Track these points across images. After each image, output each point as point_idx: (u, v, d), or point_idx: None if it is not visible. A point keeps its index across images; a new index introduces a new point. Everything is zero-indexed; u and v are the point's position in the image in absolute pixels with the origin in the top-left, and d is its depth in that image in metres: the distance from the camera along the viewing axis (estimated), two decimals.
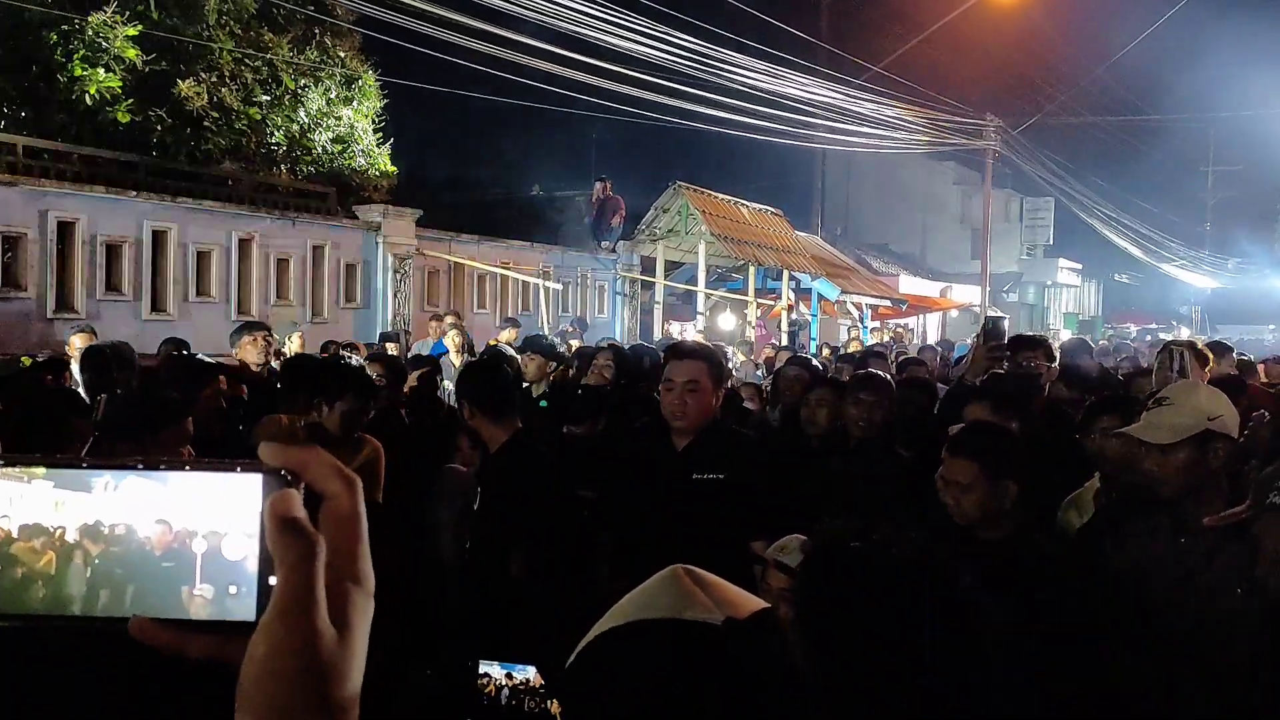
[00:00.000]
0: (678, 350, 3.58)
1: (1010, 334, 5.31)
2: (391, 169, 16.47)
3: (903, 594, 1.44)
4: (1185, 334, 31.13)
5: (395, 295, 14.11)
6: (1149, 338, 23.90)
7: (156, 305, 11.51)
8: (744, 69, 18.19)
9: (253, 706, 0.58)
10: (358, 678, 0.61)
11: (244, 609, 0.61)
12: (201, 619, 0.61)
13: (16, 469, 0.62)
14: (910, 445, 4.10)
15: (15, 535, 0.61)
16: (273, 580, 0.59)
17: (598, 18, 15.10)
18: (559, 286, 16.84)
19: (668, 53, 16.60)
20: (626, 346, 9.93)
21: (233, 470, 0.62)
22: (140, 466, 0.62)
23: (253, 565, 0.61)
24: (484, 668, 1.68)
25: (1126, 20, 27.74)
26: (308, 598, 0.58)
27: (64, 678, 1.80)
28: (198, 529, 0.62)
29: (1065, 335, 29.09)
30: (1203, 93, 41.22)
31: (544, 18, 14.59)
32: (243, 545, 0.61)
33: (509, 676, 1.67)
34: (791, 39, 20.57)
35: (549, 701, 1.65)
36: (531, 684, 1.66)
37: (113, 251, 11.06)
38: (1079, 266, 41.58)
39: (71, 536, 0.61)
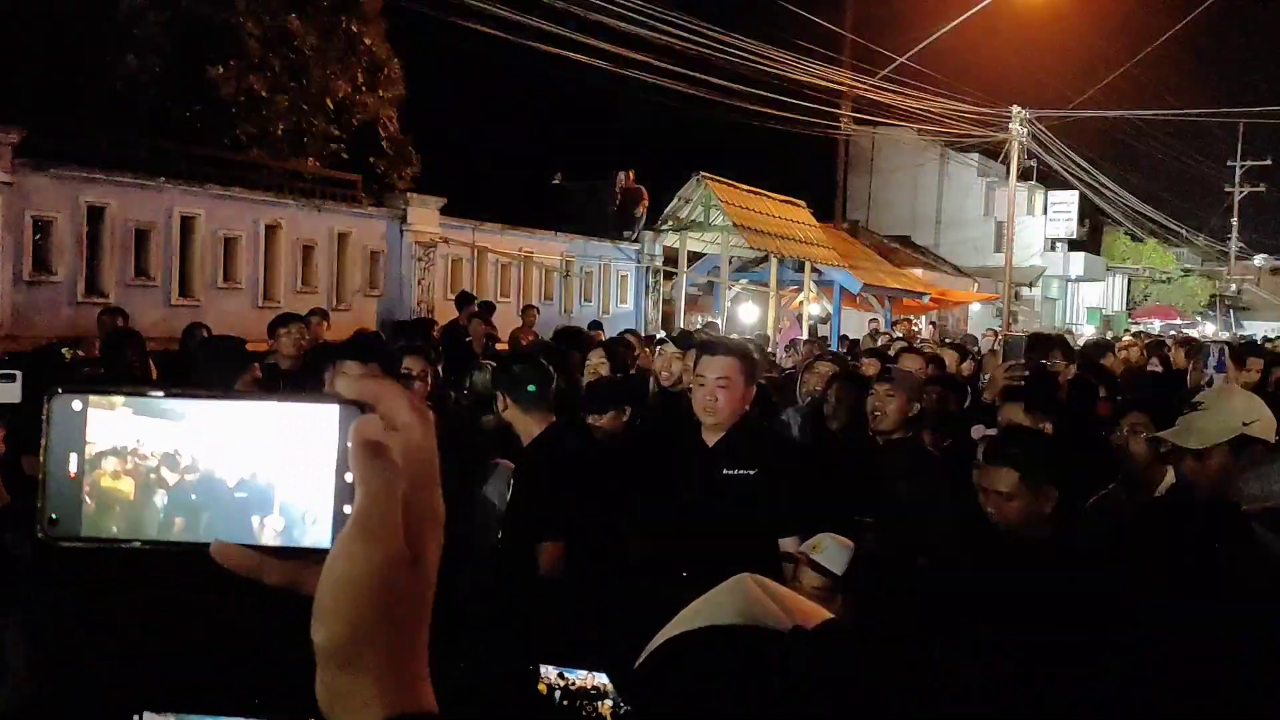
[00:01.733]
0: (709, 346, 3.58)
1: (1031, 329, 5.30)
2: (416, 156, 16.51)
3: (969, 612, 1.46)
4: (1210, 330, 30.83)
5: (419, 283, 14.17)
6: (1173, 333, 23.72)
7: (184, 291, 11.61)
8: (767, 58, 18.13)
9: (327, 619, 0.60)
10: (427, 608, 0.62)
11: (319, 536, 0.62)
12: (278, 545, 0.62)
13: (99, 397, 0.63)
14: (935, 443, 4.12)
15: (98, 463, 0.62)
16: (347, 509, 0.61)
17: (623, 6, 15.08)
18: (581, 276, 16.86)
19: (692, 42, 16.57)
20: (659, 336, 9.94)
21: (311, 401, 0.63)
22: (219, 397, 0.63)
23: (329, 494, 0.62)
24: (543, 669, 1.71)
25: (1156, 14, 27.44)
26: (387, 519, 0.60)
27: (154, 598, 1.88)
28: (274, 459, 0.63)
29: (1089, 330, 28.88)
30: (1231, 87, 40.69)
31: (570, 5, 14.59)
32: (319, 474, 0.62)
33: (561, 677, 1.70)
34: (817, 29, 20.48)
35: (600, 703, 1.68)
36: (583, 686, 1.69)
37: (142, 237, 11.16)
38: (1103, 261, 41.21)
39: (150, 464, 0.62)
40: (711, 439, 3.52)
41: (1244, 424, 2.82)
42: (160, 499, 0.62)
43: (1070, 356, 5.05)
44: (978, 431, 3.72)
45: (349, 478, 0.61)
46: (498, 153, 22.62)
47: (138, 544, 0.63)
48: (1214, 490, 2.80)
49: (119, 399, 0.63)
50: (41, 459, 0.62)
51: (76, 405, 0.63)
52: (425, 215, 14.28)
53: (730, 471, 3.44)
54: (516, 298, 15.96)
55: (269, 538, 0.63)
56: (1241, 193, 47.20)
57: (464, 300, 11.98)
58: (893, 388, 4.19)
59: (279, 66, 14.15)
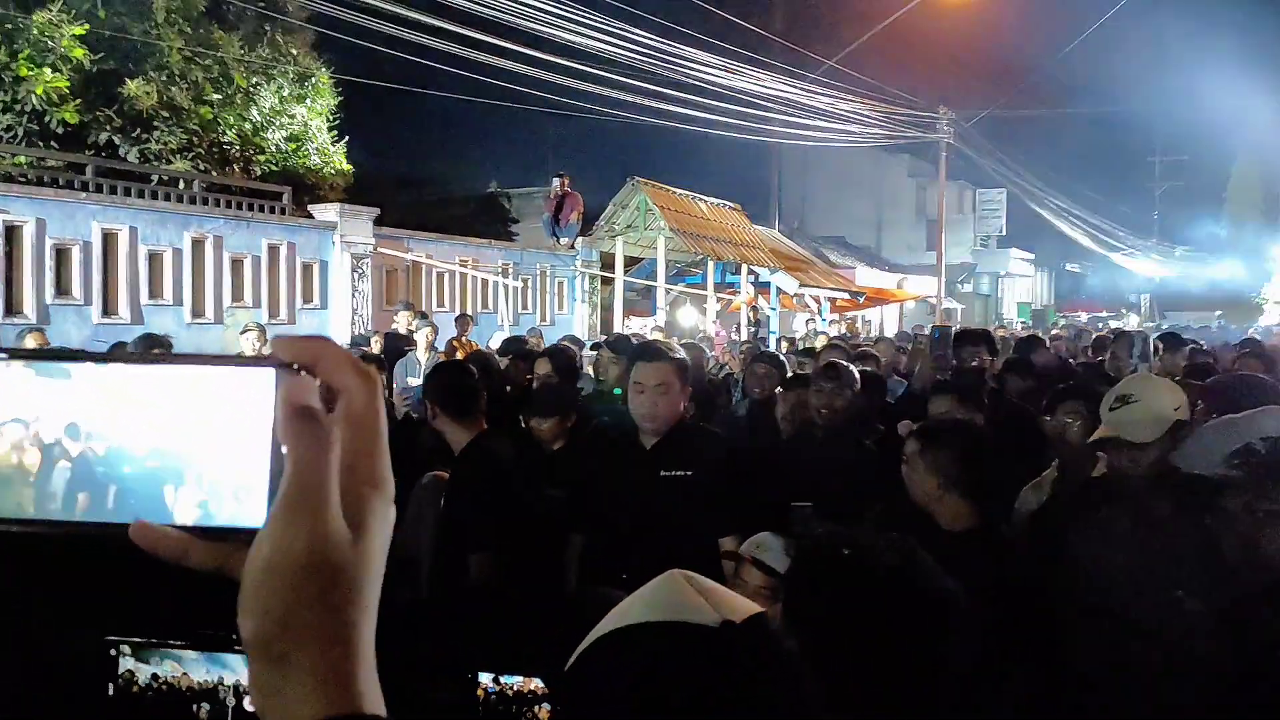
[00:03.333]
0: (646, 352, 3.58)
1: (961, 324, 5.44)
2: (347, 167, 16.31)
3: (893, 602, 1.46)
4: (1135, 321, 31.74)
5: (354, 295, 13.99)
6: (1100, 325, 24.34)
7: (108, 309, 11.30)
8: (699, 64, 18.25)
9: (253, 611, 0.53)
10: (372, 590, 0.55)
11: (253, 515, 0.55)
12: (208, 526, 0.56)
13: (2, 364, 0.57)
14: (866, 436, 4.17)
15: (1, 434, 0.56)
16: None
17: (553, 13, 15.06)
18: (519, 284, 16.78)
19: (624, 49, 16.62)
20: (588, 343, 9.89)
21: (242, 365, 0.57)
22: (143, 361, 0.57)
23: (264, 468, 0.55)
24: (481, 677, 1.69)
25: (1074, 14, 28.19)
26: (318, 493, 0.53)
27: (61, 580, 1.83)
28: (200, 428, 0.56)
29: (1018, 324, 29.54)
30: (1149, 84, 42.00)
31: (500, 14, 14.53)
32: (253, 446, 0.56)
33: (496, 682, 1.68)
34: (746, 34, 20.66)
35: (538, 707, 1.66)
36: (520, 691, 1.67)
37: (62, 255, 10.84)
38: (1031, 256, 42.20)
39: (51, 434, 0.56)
40: (649, 441, 3.51)
41: (1174, 410, 2.89)
42: (66, 472, 0.56)
43: (994, 351, 5.17)
44: (904, 427, 3.77)
45: (285, 449, 0.55)
46: (432, 163, 22.46)
47: (43, 525, 0.56)
48: (1150, 478, 2.84)
49: (18, 362, 0.57)
50: None
51: None
52: (358, 226, 14.10)
53: (668, 473, 3.45)
54: (454, 307, 15.83)
55: (184, 514, 0.56)
56: (1161, 187, 48.68)
57: (405, 307, 11.81)
58: (839, 385, 4.24)
59: (201, 78, 13.87)
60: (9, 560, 1.85)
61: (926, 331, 15.97)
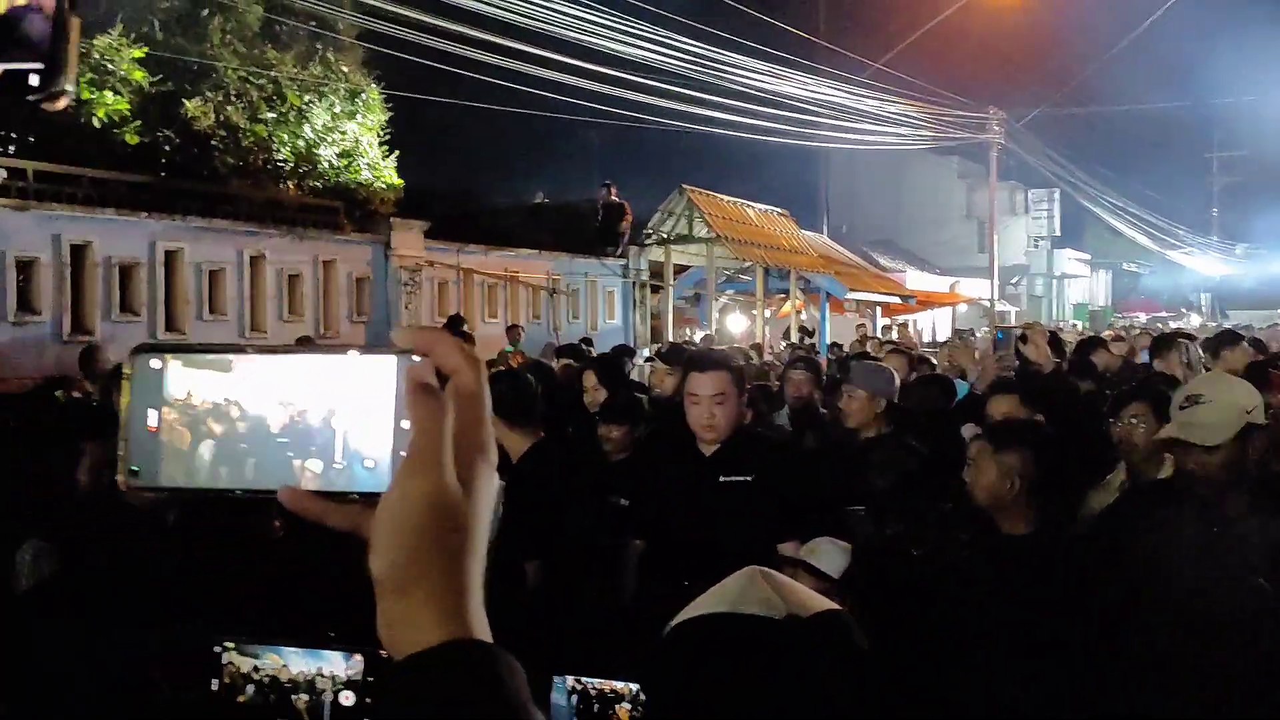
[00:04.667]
0: (699, 363, 3.59)
1: (1017, 329, 5.36)
2: (398, 181, 16.51)
3: (958, 597, 1.46)
4: (1196, 321, 31.02)
5: (406, 308, 14.16)
6: (1160, 326, 23.84)
7: (170, 325, 11.56)
8: (744, 70, 18.23)
9: (383, 549, 0.62)
10: (481, 540, 0.64)
11: (379, 481, 0.65)
12: (339, 490, 0.65)
13: (177, 356, 0.68)
14: (924, 439, 4.13)
15: (175, 415, 0.67)
16: (404, 455, 0.64)
17: (597, 23, 15.15)
18: (567, 293, 16.87)
19: (669, 57, 16.65)
20: (643, 352, 9.88)
21: (371, 353, 0.67)
22: (288, 351, 0.68)
23: (388, 440, 0.65)
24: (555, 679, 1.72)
25: (1127, 9, 27.70)
26: (436, 453, 0.62)
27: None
28: (338, 409, 0.66)
29: (1076, 326, 29.02)
30: (1205, 80, 41.12)
31: (544, 25, 14.64)
32: (379, 422, 0.66)
33: (579, 682, 1.70)
34: (791, 39, 20.61)
35: (613, 709, 1.68)
36: (601, 690, 1.69)
37: (125, 273, 11.12)
38: (1086, 257, 41.47)
39: (201, 415, 0.66)
40: (708, 449, 3.52)
41: (1246, 412, 2.80)
42: (211, 447, 0.66)
43: (1061, 353, 5.08)
44: (969, 430, 3.73)
45: (405, 424, 0.64)
46: (480, 174, 22.67)
47: (210, 490, 0.67)
48: (1221, 483, 2.76)
49: (197, 357, 0.68)
50: (123, 414, 0.67)
51: (155, 364, 0.67)
52: (409, 239, 14.28)
53: (727, 479, 3.44)
54: (504, 317, 15.96)
55: (309, 481, 0.66)
56: (1220, 183, 47.58)
57: (453, 324, 11.95)
58: (853, 387, 4.23)
59: (256, 97, 14.15)
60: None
61: (980, 334, 15.75)
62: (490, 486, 0.66)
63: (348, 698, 1.74)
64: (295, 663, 1.77)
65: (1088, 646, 2.55)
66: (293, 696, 1.76)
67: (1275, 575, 2.59)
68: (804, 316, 18.82)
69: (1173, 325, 23.51)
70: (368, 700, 1.69)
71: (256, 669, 1.78)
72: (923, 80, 23.01)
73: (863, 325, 20.63)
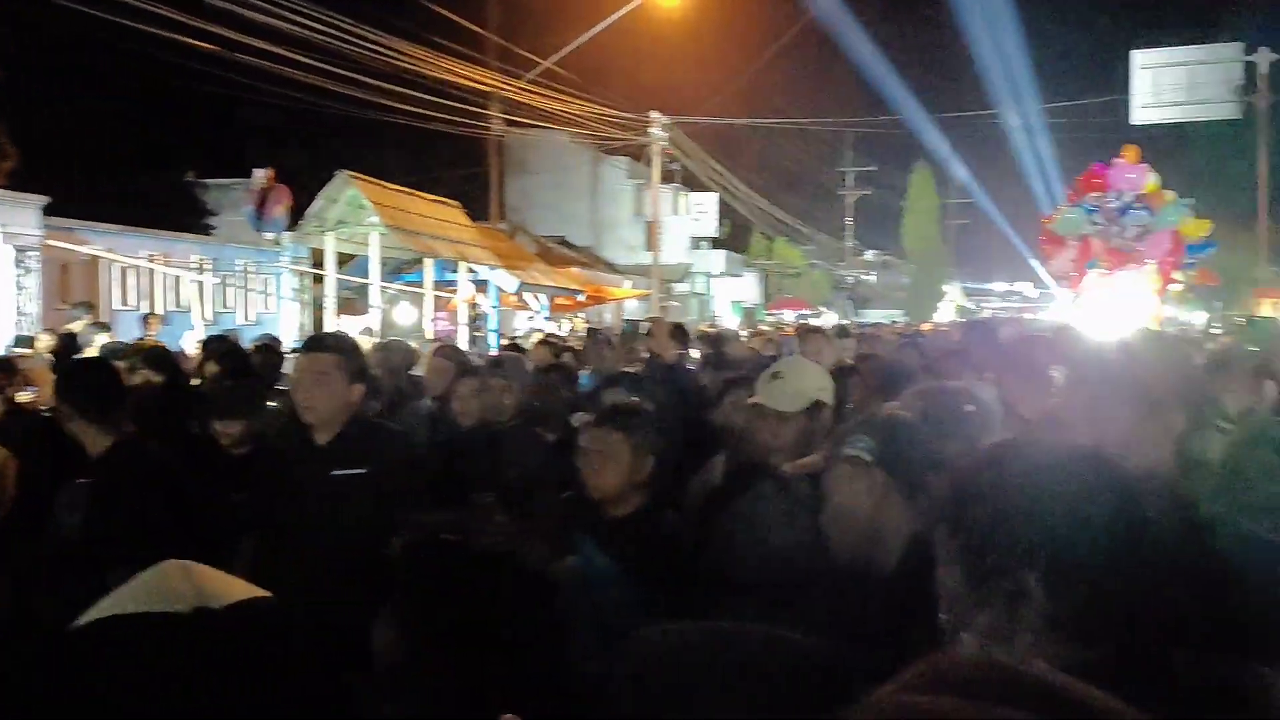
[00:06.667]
0: (309, 343, 3.44)
1: (676, 321, 5.64)
2: (12, 149, 14.60)
3: (488, 580, 1.45)
4: (834, 319, 34.52)
5: (19, 292, 12.54)
6: (804, 322, 26.17)
7: None
8: (412, 56, 17.86)
9: None
10: None
11: None
12: None
13: None
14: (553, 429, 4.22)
15: None
16: None
17: None
18: (216, 280, 15.72)
19: (332, 35, 15.96)
20: (299, 343, 9.40)
21: None
22: None
23: None
24: None
25: (772, 30, 30.12)
26: None
27: None
28: None
29: (734, 321, 31.26)
30: (840, 97, 45.70)
31: None
32: None
33: None
34: (462, 30, 20.46)
35: None
36: None
37: None
38: (741, 258, 44.67)
39: None
40: (321, 439, 3.36)
41: (817, 389, 3.16)
42: None
43: (683, 342, 5.41)
44: (579, 419, 3.86)
45: None
46: (118, 147, 20.50)
47: None
48: (792, 453, 3.04)
49: None
50: None
51: None
52: (22, 216, 12.66)
53: (340, 471, 3.31)
54: (146, 306, 14.59)
55: None
56: (853, 195, 53.15)
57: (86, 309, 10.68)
58: (504, 378, 4.27)
59: None
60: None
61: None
62: None
63: None
64: None
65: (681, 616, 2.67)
66: None
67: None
68: (474, 308, 18.72)
69: (814, 322, 25.91)
70: None
71: None
72: (591, 81, 23.73)
73: (533, 318, 20.93)
